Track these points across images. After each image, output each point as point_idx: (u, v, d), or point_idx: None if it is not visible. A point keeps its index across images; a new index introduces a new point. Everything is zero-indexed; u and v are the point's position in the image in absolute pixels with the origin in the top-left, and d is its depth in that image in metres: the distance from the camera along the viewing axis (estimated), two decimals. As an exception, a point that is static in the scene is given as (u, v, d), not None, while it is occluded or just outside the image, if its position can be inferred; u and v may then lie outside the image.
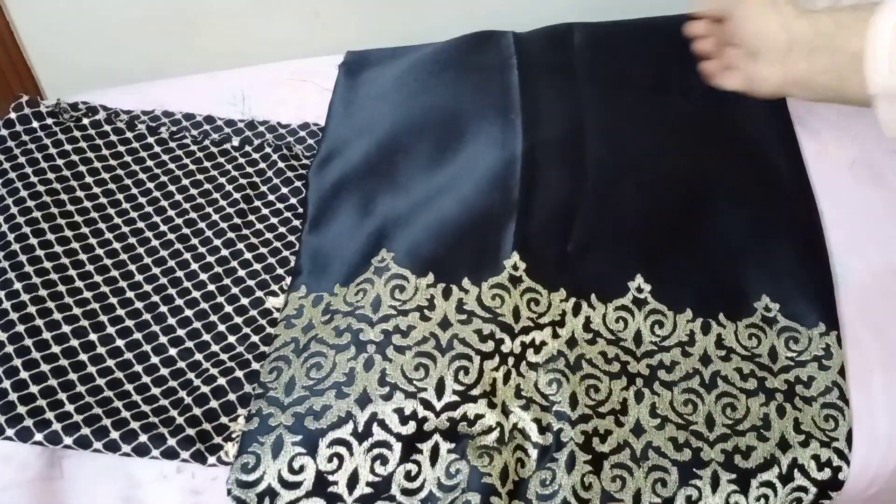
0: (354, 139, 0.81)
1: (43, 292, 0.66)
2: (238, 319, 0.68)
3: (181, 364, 0.65)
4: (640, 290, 0.69)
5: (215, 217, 0.75)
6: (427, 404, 0.61)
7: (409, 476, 0.59)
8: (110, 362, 0.64)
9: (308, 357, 0.64)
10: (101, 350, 0.65)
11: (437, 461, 0.59)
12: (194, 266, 0.71)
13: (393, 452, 0.59)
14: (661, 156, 0.78)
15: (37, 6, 0.95)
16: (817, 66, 0.59)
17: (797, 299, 0.69)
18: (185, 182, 0.77)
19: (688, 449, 0.61)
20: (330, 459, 0.59)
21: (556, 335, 0.66)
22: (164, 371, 0.65)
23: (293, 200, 0.78)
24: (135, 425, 0.59)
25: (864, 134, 0.82)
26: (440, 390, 0.61)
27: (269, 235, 0.74)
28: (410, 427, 0.60)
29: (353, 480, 0.58)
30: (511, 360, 0.64)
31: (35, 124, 0.77)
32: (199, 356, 0.66)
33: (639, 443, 0.61)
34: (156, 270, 0.71)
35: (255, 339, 0.67)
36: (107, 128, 0.80)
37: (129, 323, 0.67)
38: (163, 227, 0.74)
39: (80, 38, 0.99)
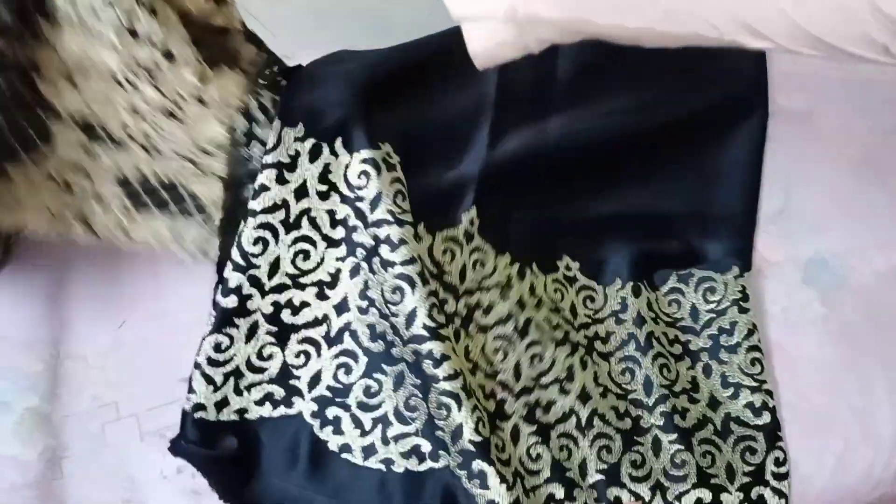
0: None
1: None
2: None
3: None
4: (568, 268, 0.71)
5: None
6: (395, 330, 0.61)
7: (368, 391, 0.61)
8: None
9: (297, 240, 0.62)
10: None
11: (400, 388, 0.61)
12: None
13: (358, 365, 0.61)
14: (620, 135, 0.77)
15: (36, 5, 0.94)
16: None
17: (711, 249, 0.71)
18: None
19: (628, 418, 0.64)
20: (297, 355, 0.61)
21: (504, 297, 0.66)
22: None
23: None
24: None
25: (867, 135, 0.82)
26: (410, 320, 0.60)
27: None
28: (379, 346, 0.62)
29: (314, 380, 0.61)
30: (458, 321, 0.63)
31: None
32: None
33: (585, 409, 0.63)
34: None
35: None
36: None
37: None
38: None
39: (80, 37, 0.99)
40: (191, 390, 0.60)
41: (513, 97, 0.75)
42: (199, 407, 0.60)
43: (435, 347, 0.59)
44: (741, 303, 0.68)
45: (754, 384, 0.64)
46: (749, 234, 0.72)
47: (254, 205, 0.60)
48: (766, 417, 0.63)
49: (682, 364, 0.66)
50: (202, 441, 0.59)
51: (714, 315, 0.68)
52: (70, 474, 0.61)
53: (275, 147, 0.60)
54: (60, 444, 0.62)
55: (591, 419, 0.62)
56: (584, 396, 0.63)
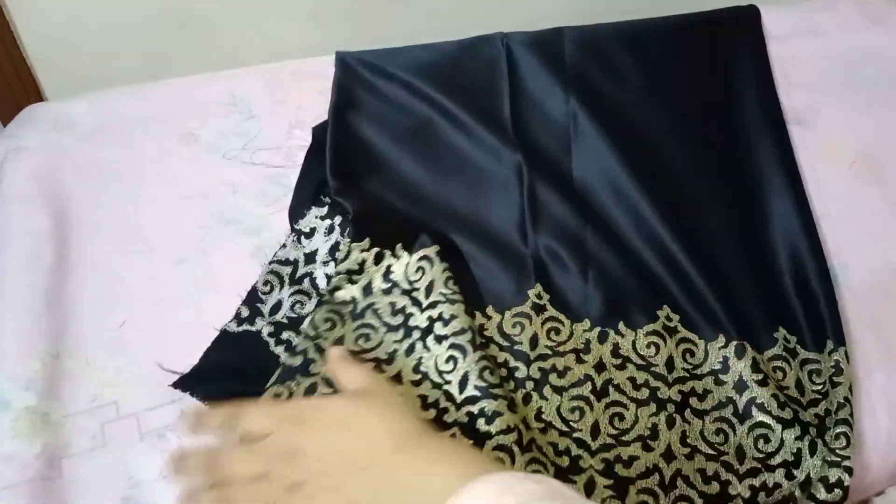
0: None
1: None
2: None
3: None
4: (669, 318, 0.69)
5: None
6: (449, 397, 0.62)
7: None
8: None
9: (361, 326, 0.66)
10: None
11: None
12: None
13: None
14: (651, 181, 0.77)
15: (37, 7, 0.95)
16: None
17: (808, 328, 0.68)
18: None
19: (716, 482, 0.61)
20: None
21: (580, 360, 0.66)
22: None
23: None
24: None
25: (864, 133, 0.82)
26: (463, 385, 0.62)
27: None
28: (430, 414, 0.61)
29: None
30: (530, 385, 0.64)
31: None
32: None
33: (669, 469, 0.61)
34: None
35: None
36: None
37: None
38: None
39: (80, 39, 0.99)
40: None
41: (540, 163, 0.78)
42: None
43: (487, 405, 0.61)
44: (834, 377, 0.65)
45: (836, 458, 0.61)
46: (835, 310, 0.69)
47: (328, 297, 0.68)
48: (837, 495, 0.60)
49: (790, 432, 0.62)
50: None
51: (820, 397, 0.65)
52: (69, 474, 0.61)
53: (345, 259, 0.69)
54: (59, 443, 0.62)
55: (674, 479, 0.60)
56: (668, 456, 0.61)
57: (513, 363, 0.65)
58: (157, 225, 0.76)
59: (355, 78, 0.87)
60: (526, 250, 0.72)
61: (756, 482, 0.60)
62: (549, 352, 0.66)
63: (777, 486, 0.61)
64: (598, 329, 0.68)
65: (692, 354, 0.67)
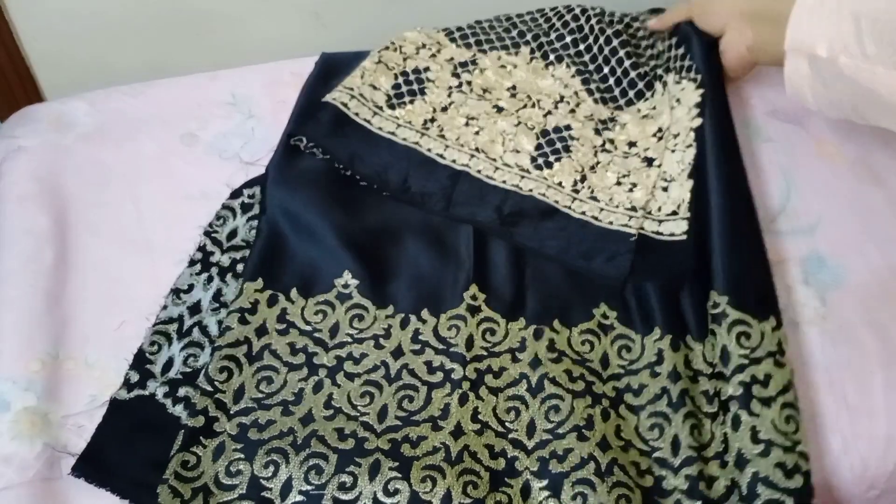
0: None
1: None
2: None
3: None
4: (605, 316, 0.69)
5: None
6: (368, 427, 0.62)
7: (343, 487, 0.59)
8: None
9: (260, 368, 0.65)
10: None
11: (376, 476, 0.60)
12: None
13: (328, 464, 0.60)
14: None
15: (37, 6, 0.95)
16: (764, 33, 0.72)
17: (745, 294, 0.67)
18: None
19: (650, 476, 0.61)
20: (266, 466, 0.60)
21: (515, 359, 0.66)
22: None
23: None
24: None
25: (864, 134, 0.82)
26: (383, 415, 0.63)
27: None
28: (349, 443, 0.61)
29: (286, 488, 0.59)
30: (466, 385, 0.64)
31: None
32: None
33: (605, 457, 0.60)
34: None
35: None
36: None
37: None
38: None
39: (80, 38, 0.99)
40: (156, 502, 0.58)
41: None
42: None
43: (411, 432, 0.62)
44: (778, 356, 0.63)
45: (788, 444, 0.60)
46: (772, 287, 0.68)
47: (220, 342, 0.66)
48: (798, 481, 0.58)
49: (715, 423, 0.63)
50: None
51: (747, 362, 0.63)
52: (69, 474, 0.61)
53: (237, 297, 0.68)
54: (59, 443, 0.62)
55: (610, 467, 0.60)
56: (603, 445, 0.61)
57: (449, 365, 0.66)
58: (157, 225, 0.76)
59: (328, 81, 0.86)
60: (465, 252, 0.72)
61: (693, 471, 0.60)
62: (485, 352, 0.66)
63: (713, 478, 0.61)
64: (533, 327, 0.68)
65: (628, 350, 0.67)
